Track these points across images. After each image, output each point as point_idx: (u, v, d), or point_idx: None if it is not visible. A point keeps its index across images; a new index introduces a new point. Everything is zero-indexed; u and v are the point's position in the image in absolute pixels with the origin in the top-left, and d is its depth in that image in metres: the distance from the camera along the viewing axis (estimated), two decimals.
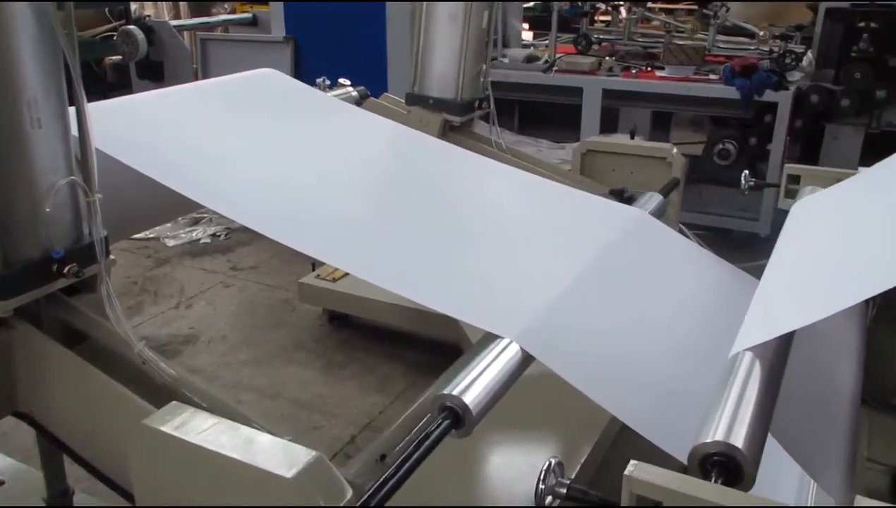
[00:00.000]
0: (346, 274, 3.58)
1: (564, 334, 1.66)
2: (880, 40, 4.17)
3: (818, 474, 1.39)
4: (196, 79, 5.55)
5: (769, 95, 4.24)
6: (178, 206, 2.30)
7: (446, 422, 1.35)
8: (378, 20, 4.94)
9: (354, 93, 2.96)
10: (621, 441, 2.41)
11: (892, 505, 0.94)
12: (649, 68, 4.70)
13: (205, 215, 4.78)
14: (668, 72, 4.58)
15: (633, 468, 1.00)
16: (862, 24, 4.21)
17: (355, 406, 3.01)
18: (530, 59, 4.99)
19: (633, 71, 4.66)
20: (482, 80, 3.06)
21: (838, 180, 2.34)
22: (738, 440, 1.13)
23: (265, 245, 4.34)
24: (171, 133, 2.07)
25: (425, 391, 2.79)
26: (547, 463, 1.10)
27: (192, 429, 1.18)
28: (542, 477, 1.09)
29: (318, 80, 2.90)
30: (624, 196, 2.90)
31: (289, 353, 3.40)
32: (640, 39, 4.89)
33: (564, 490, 1.09)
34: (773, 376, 1.31)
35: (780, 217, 4.59)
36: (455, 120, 2.99)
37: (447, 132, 3.01)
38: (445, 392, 1.40)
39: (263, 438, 1.16)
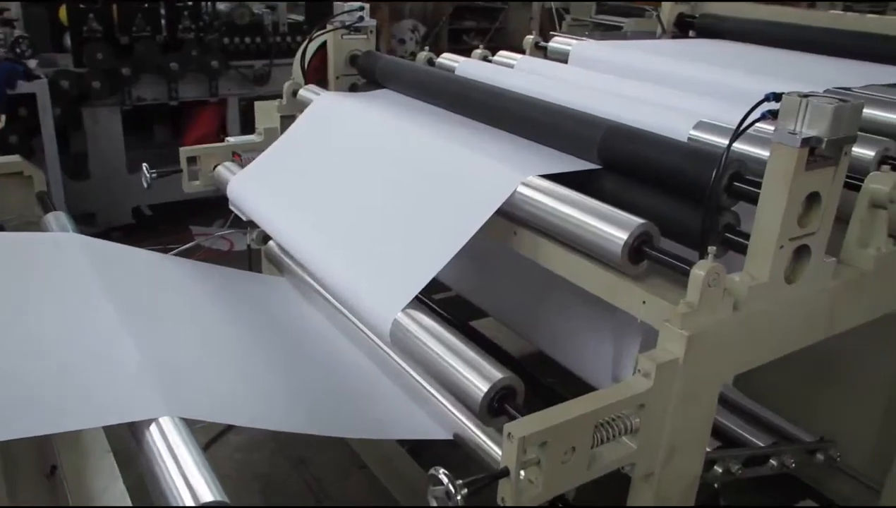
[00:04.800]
0: None
1: (204, 385, 1.44)
2: (107, 19, 4.27)
3: None
4: None
5: (23, 87, 3.89)
6: None
7: None
8: None
9: None
10: None
11: None
12: None
13: None
14: None
15: (515, 427, 1.07)
16: (83, 6, 4.21)
17: None
18: None
19: None
20: None
21: (234, 151, 2.49)
22: (491, 376, 1.31)
23: None
24: None
25: None
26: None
27: None
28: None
29: None
30: None
31: None
32: None
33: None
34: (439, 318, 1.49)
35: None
36: None
37: None
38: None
39: None
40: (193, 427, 1.31)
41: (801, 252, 1.30)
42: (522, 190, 1.51)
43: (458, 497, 1.04)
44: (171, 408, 1.30)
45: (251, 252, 2.60)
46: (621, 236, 1.31)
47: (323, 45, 2.64)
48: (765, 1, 3.15)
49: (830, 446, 1.81)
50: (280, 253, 2.21)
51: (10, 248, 1.87)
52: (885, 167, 1.40)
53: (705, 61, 2.38)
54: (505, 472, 1.07)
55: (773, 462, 1.68)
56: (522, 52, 2.77)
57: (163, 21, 4.43)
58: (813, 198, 1.25)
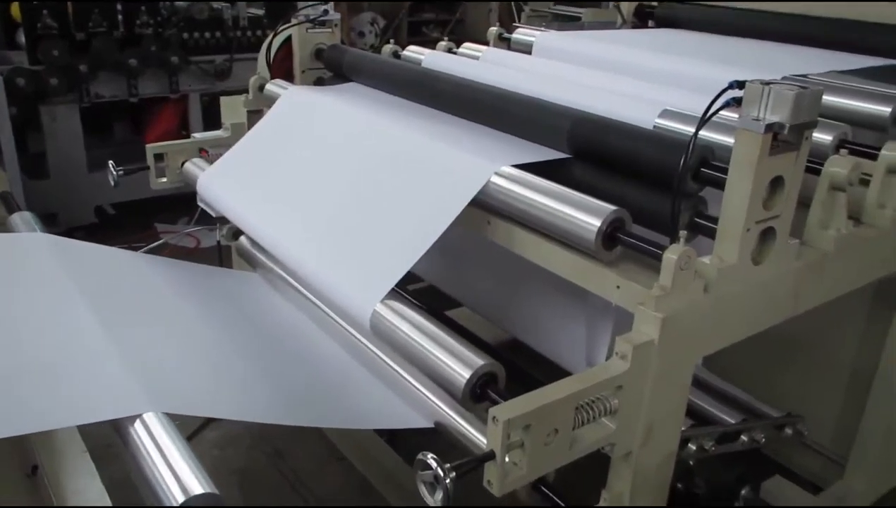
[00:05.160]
0: None
1: (184, 380, 1.45)
2: (62, 15, 4.17)
3: None
4: None
5: None
6: None
7: None
8: None
9: None
10: None
11: None
12: None
13: None
14: None
15: (499, 411, 1.10)
16: (37, 1, 4.11)
17: None
18: None
19: None
20: None
21: (201, 147, 2.48)
22: (473, 363, 1.34)
23: None
24: None
25: None
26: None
27: None
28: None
29: None
30: None
31: None
32: None
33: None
34: (418, 307, 1.51)
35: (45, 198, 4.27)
36: None
37: None
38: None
39: None
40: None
41: (767, 234, 1.35)
42: (496, 180, 1.54)
43: (447, 481, 1.06)
44: (154, 404, 1.30)
45: (221, 248, 2.58)
46: (595, 223, 1.34)
47: (287, 40, 2.63)
48: None
49: (798, 420, 1.87)
50: (252, 248, 2.21)
51: None
52: (843, 151, 1.46)
53: (667, 51, 2.43)
54: (491, 455, 1.10)
55: (743, 437, 1.73)
56: (485, 43, 2.79)
57: (120, 16, 4.35)
58: (777, 182, 1.30)
